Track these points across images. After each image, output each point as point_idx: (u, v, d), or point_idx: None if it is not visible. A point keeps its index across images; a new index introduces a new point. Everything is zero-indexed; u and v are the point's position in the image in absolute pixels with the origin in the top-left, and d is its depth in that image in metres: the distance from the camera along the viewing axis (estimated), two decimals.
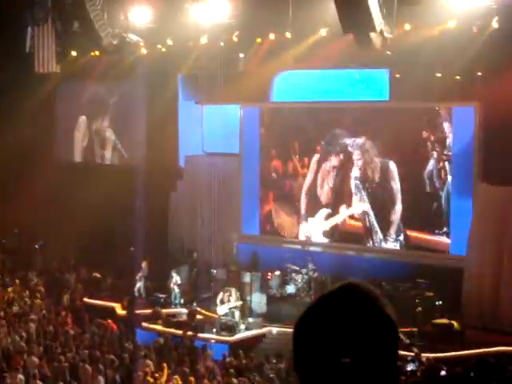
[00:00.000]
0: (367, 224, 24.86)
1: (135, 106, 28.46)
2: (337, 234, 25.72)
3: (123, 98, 29.00)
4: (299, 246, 26.29)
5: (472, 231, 22.62)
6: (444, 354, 19.85)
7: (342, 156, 25.34)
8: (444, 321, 21.27)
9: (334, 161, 25.54)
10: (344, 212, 25.45)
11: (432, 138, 23.69)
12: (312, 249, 25.99)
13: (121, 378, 17.69)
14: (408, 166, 24.10)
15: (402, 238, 24.36)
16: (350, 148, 25.06)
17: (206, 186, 27.12)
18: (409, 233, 24.27)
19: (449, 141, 23.51)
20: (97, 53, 25.94)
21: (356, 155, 24.97)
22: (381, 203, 24.58)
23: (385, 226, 24.62)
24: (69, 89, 30.27)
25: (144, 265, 25.28)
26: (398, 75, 23.66)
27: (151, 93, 27.80)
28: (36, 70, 24.59)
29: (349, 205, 25.30)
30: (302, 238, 26.43)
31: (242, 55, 25.29)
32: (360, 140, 24.88)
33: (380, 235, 24.69)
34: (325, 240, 25.91)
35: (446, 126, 23.55)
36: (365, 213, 24.90)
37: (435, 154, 23.72)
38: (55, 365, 18.03)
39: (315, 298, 2.15)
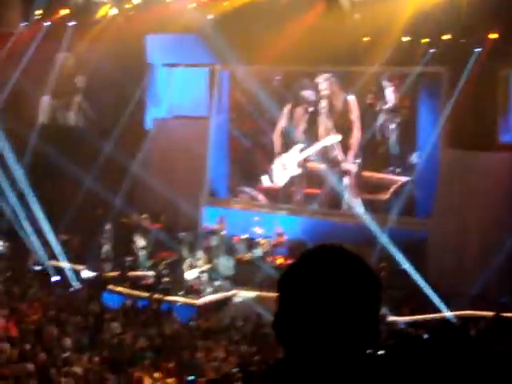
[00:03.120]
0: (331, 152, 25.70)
1: (102, 68, 27.82)
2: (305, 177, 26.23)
3: (90, 60, 28.31)
4: (267, 210, 26.34)
5: (437, 197, 22.80)
6: (409, 317, 20.06)
7: (311, 96, 25.98)
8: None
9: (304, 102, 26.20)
10: (317, 144, 25.91)
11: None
12: (279, 213, 26.05)
13: (87, 339, 17.67)
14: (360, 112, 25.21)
15: (359, 160, 25.23)
16: (317, 80, 25.70)
17: (174, 149, 26.94)
18: (363, 173, 25.14)
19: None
20: (62, 12, 25.53)
21: (323, 86, 25.65)
22: (342, 130, 25.48)
23: (344, 150, 25.45)
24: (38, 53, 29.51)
25: (108, 227, 25.17)
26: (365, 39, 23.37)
27: (118, 54, 27.29)
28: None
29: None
30: (276, 170, 26.62)
31: (210, 16, 24.95)
32: (326, 74, 25.55)
33: (342, 155, 25.41)
34: (298, 171, 26.20)
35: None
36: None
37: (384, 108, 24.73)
38: (21, 326, 17.95)
39: (292, 258, 2.16)
